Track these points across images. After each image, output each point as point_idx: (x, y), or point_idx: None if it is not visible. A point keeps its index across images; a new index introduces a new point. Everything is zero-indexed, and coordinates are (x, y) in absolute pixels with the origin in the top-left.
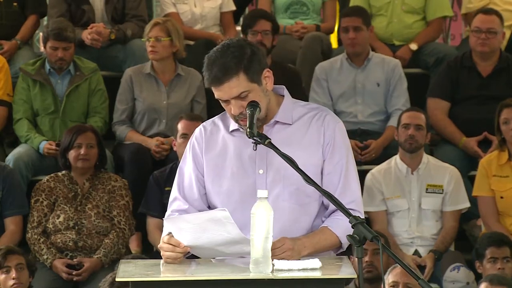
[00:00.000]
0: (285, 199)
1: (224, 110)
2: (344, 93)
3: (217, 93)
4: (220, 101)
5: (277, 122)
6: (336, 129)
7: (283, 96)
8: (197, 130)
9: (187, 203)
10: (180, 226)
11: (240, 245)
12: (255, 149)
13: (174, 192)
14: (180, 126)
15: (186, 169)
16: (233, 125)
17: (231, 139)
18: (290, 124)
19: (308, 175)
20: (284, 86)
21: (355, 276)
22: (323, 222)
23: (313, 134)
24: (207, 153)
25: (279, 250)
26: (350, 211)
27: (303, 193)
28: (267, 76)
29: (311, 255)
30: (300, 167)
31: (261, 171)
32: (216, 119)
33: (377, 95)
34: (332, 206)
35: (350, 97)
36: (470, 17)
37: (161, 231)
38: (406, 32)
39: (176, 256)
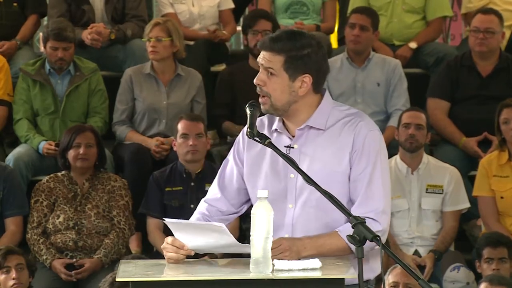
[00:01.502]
0: (312, 205)
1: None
2: (344, 93)
3: (260, 55)
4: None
5: (310, 127)
6: (368, 136)
7: (322, 98)
8: (246, 126)
9: (221, 193)
10: (181, 229)
11: (236, 247)
12: (288, 152)
13: (215, 181)
14: (180, 126)
15: (230, 161)
16: (276, 125)
17: (272, 139)
18: (323, 130)
19: (335, 182)
20: (326, 89)
21: (355, 276)
22: None
23: (344, 140)
24: (249, 150)
25: (276, 251)
26: (368, 219)
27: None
28: (306, 81)
29: (315, 257)
30: (328, 173)
31: (292, 175)
32: (265, 117)
33: (377, 95)
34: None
35: (350, 97)
36: (470, 17)
37: (161, 231)
38: (406, 32)
39: (178, 258)
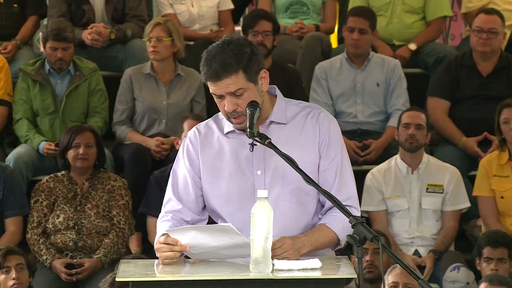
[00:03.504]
0: (285, 198)
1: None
2: (344, 93)
3: (213, 88)
4: (214, 97)
5: (272, 122)
6: (331, 125)
7: (276, 96)
8: (190, 133)
9: (181, 204)
10: (182, 233)
11: (243, 248)
12: (251, 150)
13: (169, 193)
14: (185, 125)
15: (180, 171)
16: (228, 127)
17: (226, 141)
18: (285, 124)
19: (307, 173)
20: (275, 86)
21: (355, 276)
22: (319, 219)
23: (309, 132)
24: (203, 154)
25: (280, 250)
26: (347, 207)
27: (303, 191)
28: (264, 77)
29: (310, 253)
30: (299, 165)
31: (259, 172)
32: (210, 121)
33: (377, 95)
34: (328, 203)
35: (350, 97)
36: (470, 16)
37: None
38: (406, 32)
39: (174, 256)
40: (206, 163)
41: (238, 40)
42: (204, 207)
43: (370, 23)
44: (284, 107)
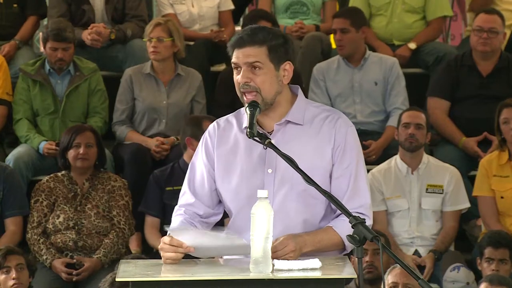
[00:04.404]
0: (292, 199)
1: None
2: (342, 93)
3: (235, 56)
4: (233, 69)
5: (288, 121)
6: (348, 132)
7: (297, 95)
8: (210, 126)
9: (194, 197)
10: (185, 234)
11: (244, 250)
12: (265, 148)
13: (185, 186)
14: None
15: (198, 164)
16: (246, 122)
17: (243, 137)
18: (302, 125)
19: (317, 177)
20: (298, 86)
21: (355, 276)
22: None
23: (324, 136)
24: (219, 148)
25: (281, 252)
26: (358, 215)
27: (310, 194)
28: (287, 69)
29: (313, 253)
30: (309, 168)
31: (270, 170)
32: (230, 116)
33: (375, 94)
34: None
35: (348, 97)
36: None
37: (158, 230)
38: (406, 32)
39: (177, 257)
40: (221, 158)
41: (275, 29)
42: (220, 201)
43: (352, 21)
44: (303, 108)
